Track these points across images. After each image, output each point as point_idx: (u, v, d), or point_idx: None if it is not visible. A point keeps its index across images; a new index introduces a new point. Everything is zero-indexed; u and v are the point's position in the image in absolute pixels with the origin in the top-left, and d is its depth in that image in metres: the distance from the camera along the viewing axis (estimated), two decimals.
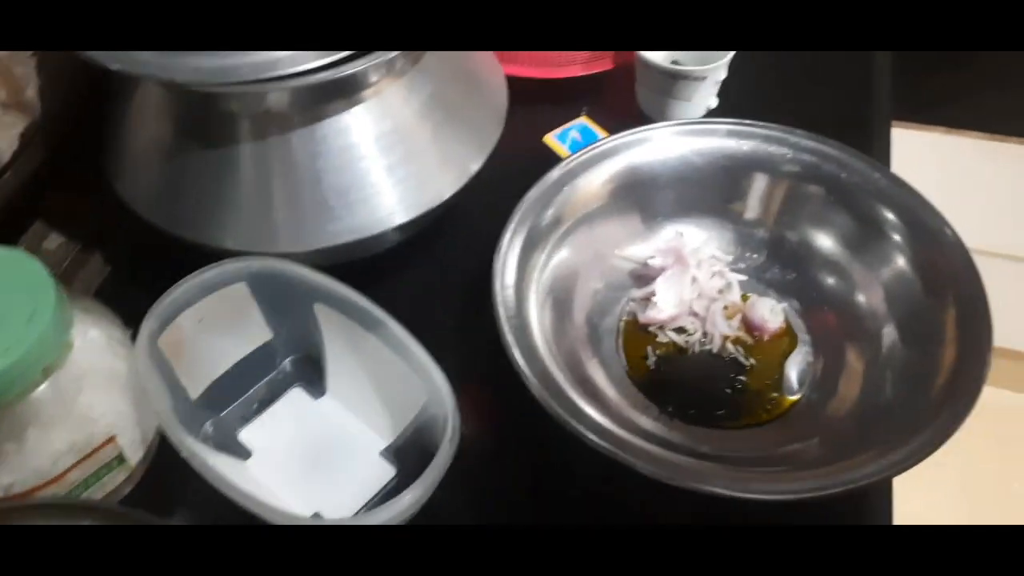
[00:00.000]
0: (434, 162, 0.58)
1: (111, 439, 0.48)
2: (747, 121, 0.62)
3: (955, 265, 0.54)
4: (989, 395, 0.50)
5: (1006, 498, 1.33)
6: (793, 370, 0.58)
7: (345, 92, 0.54)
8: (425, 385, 0.50)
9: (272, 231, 0.55)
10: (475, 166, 0.59)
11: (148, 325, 0.50)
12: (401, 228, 0.57)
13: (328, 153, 0.55)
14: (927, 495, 1.17)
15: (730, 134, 0.62)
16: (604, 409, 0.53)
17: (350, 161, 0.55)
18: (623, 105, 0.76)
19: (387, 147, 0.56)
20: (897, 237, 0.57)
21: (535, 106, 0.75)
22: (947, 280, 0.54)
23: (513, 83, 0.66)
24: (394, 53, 0.52)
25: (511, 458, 0.56)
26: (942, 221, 0.56)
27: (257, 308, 0.55)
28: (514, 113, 0.65)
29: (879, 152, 0.71)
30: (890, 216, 0.57)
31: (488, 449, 0.55)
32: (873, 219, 0.58)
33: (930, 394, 0.49)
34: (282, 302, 0.55)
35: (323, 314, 0.54)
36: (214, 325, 0.54)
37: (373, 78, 0.54)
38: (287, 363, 0.59)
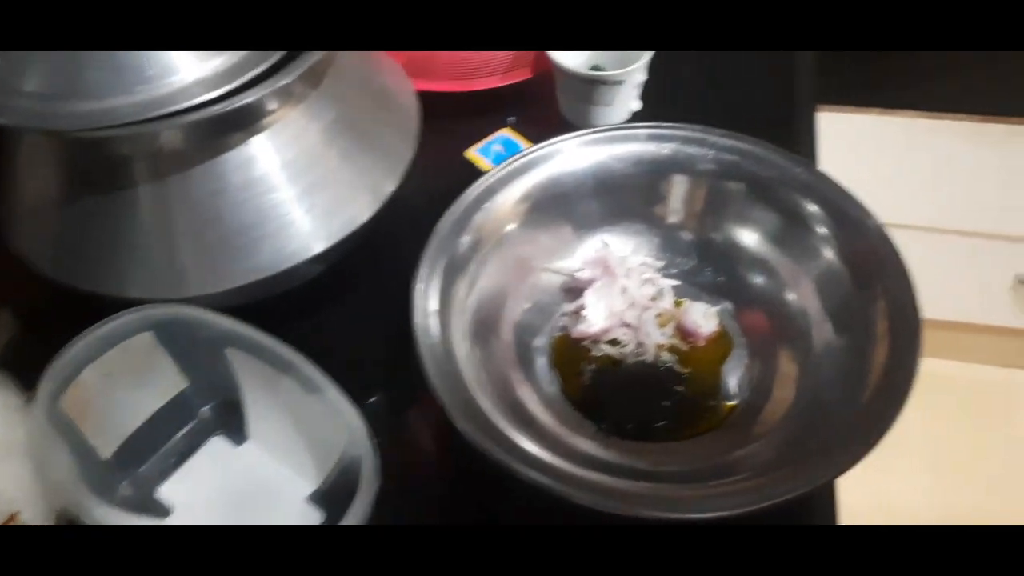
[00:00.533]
0: (345, 187, 0.55)
1: (13, 516, 0.45)
2: (665, 124, 0.61)
3: (880, 255, 0.53)
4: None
5: (937, 457, 1.35)
6: (730, 375, 0.57)
7: (242, 124, 0.51)
8: (344, 426, 0.47)
9: (178, 275, 0.53)
10: (389, 188, 0.57)
11: (45, 387, 0.47)
12: (317, 259, 0.55)
13: (231, 188, 0.52)
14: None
15: (649, 138, 0.61)
16: (536, 434, 0.51)
17: (255, 195, 0.53)
18: (545, 114, 0.75)
19: (294, 176, 0.53)
20: (822, 229, 0.56)
21: (455, 121, 0.73)
22: (874, 270, 0.53)
23: (430, 98, 0.64)
24: (288, 80, 0.49)
25: (443, 492, 0.54)
26: (864, 211, 0.55)
27: (168, 357, 0.53)
28: (433, 129, 0.63)
29: (804, 143, 0.70)
30: (813, 209, 0.56)
31: (417, 487, 0.53)
32: (796, 213, 0.57)
33: (864, 392, 0.48)
34: (193, 349, 0.53)
35: (236, 358, 0.52)
36: (122, 379, 0.51)
37: (271, 107, 0.52)
38: (206, 411, 0.56)
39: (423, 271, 0.54)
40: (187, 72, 0.49)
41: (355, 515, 0.43)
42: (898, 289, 0.51)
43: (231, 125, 0.51)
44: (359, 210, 0.56)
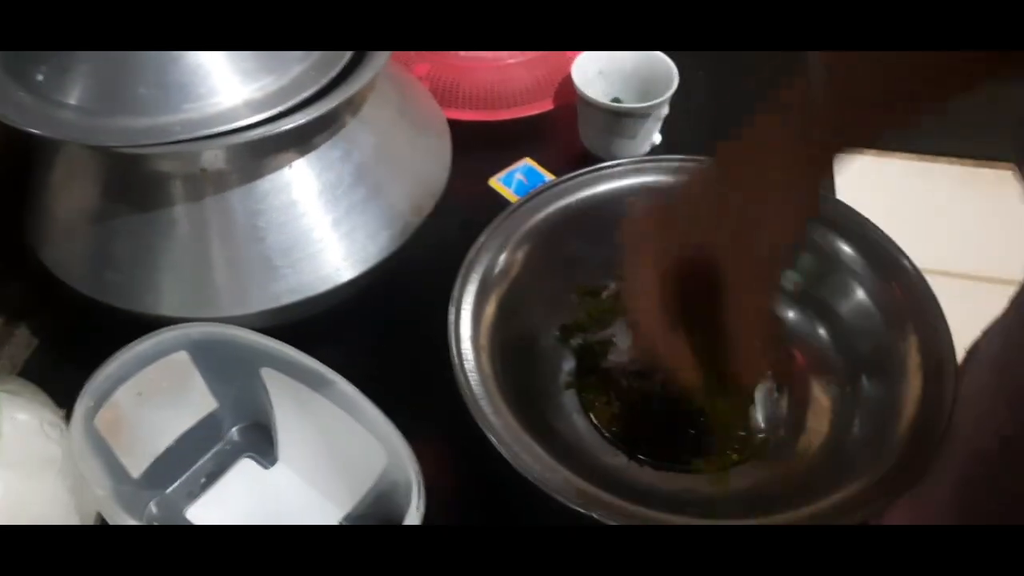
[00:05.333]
0: (381, 214, 0.56)
1: None
2: (694, 156, 0.62)
3: (915, 296, 0.54)
4: None
5: None
6: (758, 408, 0.57)
7: (284, 147, 0.52)
8: (384, 448, 0.47)
9: (213, 295, 0.53)
10: (423, 215, 0.57)
11: (83, 404, 0.46)
12: (350, 284, 0.55)
13: (269, 210, 0.52)
14: None
15: (678, 171, 0.61)
16: (573, 462, 0.51)
17: (293, 218, 0.53)
18: (567, 145, 0.76)
19: (331, 201, 0.54)
20: (855, 268, 0.56)
21: (479, 150, 0.74)
22: (907, 312, 0.53)
23: (454, 127, 0.65)
24: (332, 105, 0.50)
25: (479, 520, 0.53)
26: (899, 251, 0.56)
27: (199, 377, 0.52)
28: (458, 158, 0.63)
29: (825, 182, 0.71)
30: (845, 247, 0.57)
31: (454, 513, 0.53)
32: (829, 251, 0.58)
33: (897, 430, 0.49)
34: (226, 369, 0.52)
35: (271, 378, 0.52)
36: (154, 398, 0.51)
37: (313, 132, 0.52)
38: (234, 432, 0.55)
39: (456, 296, 0.54)
40: (233, 93, 0.50)
41: None
42: (931, 329, 0.52)
43: (273, 148, 0.51)
44: (392, 237, 0.56)
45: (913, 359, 0.51)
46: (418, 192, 0.58)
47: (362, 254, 0.54)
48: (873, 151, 1.27)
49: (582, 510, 0.45)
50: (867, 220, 0.58)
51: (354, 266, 0.54)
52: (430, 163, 0.60)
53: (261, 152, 0.51)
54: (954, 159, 1.26)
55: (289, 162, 0.52)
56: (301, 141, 0.52)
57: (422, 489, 0.45)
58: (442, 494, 0.54)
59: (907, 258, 0.55)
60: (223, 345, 0.51)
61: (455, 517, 0.52)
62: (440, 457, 0.54)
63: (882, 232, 0.57)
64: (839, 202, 0.59)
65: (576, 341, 0.60)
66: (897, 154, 1.27)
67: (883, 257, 0.56)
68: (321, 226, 0.53)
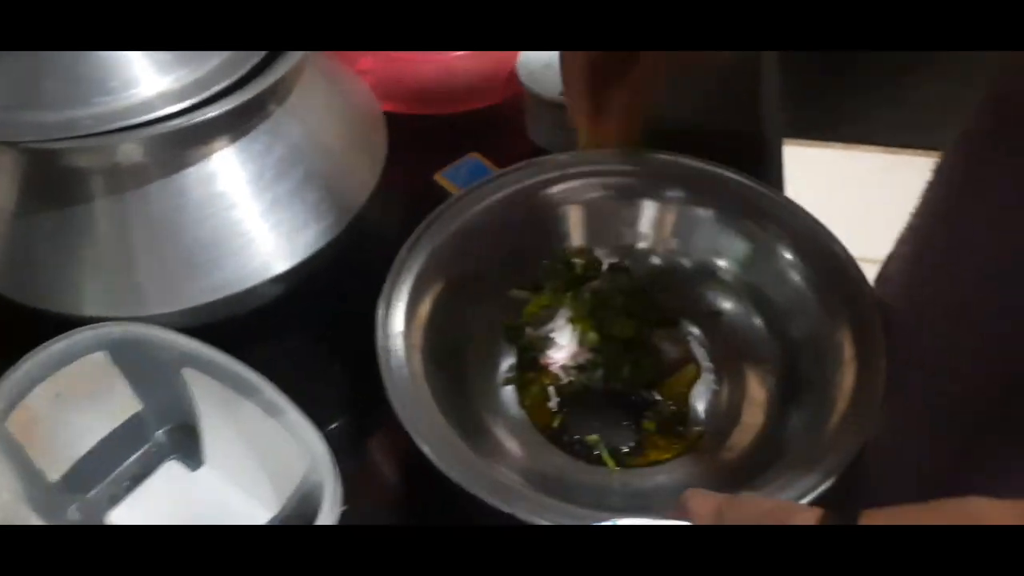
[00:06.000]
0: (310, 207, 0.54)
1: None
2: (635, 151, 0.61)
3: (848, 285, 0.53)
4: None
5: None
6: (699, 401, 0.56)
7: (204, 138, 0.50)
8: (305, 451, 0.46)
9: (135, 293, 0.51)
10: (355, 208, 0.56)
11: None
12: (279, 279, 0.53)
13: (192, 204, 0.51)
14: None
15: (619, 163, 0.61)
16: (504, 460, 0.50)
17: (218, 210, 0.52)
18: (516, 140, 0.74)
19: (257, 193, 0.52)
20: (790, 257, 0.56)
21: (424, 145, 0.72)
22: (841, 299, 0.53)
23: (398, 121, 0.64)
24: (251, 95, 0.48)
25: (409, 521, 0.52)
26: (832, 240, 0.55)
27: (122, 378, 0.51)
28: (401, 152, 0.62)
29: (773, 175, 0.71)
30: (781, 236, 0.56)
31: (382, 517, 0.52)
32: (764, 239, 0.57)
33: (831, 419, 0.48)
34: (149, 370, 0.51)
35: (194, 380, 0.50)
36: (74, 400, 0.49)
37: (234, 122, 0.51)
38: (160, 434, 0.54)
39: (388, 291, 0.53)
40: (149, 85, 0.48)
41: None
42: (866, 319, 0.51)
43: (193, 140, 0.50)
44: (323, 230, 0.55)
45: (847, 349, 0.50)
46: (350, 185, 0.57)
47: (291, 247, 0.53)
48: (796, 141, 1.26)
49: (504, 508, 0.43)
50: (799, 208, 0.57)
51: (283, 260, 0.53)
52: (364, 156, 0.58)
53: (180, 144, 0.50)
54: (877, 147, 1.26)
55: (211, 153, 0.51)
56: (222, 132, 0.51)
57: (339, 491, 0.43)
58: (374, 495, 0.53)
59: (838, 244, 0.55)
60: (143, 345, 0.49)
61: (382, 518, 0.51)
62: (369, 457, 0.53)
63: (813, 219, 0.56)
64: (773, 191, 0.58)
65: (518, 339, 0.59)
66: (822, 144, 1.27)
67: (815, 245, 0.55)
68: (248, 219, 0.52)
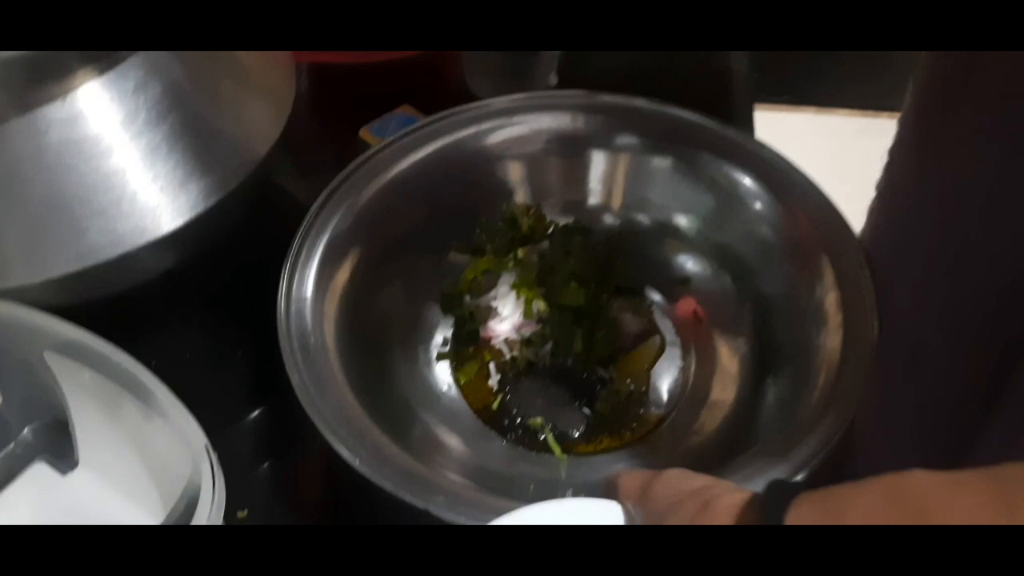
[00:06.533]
0: (195, 156, 0.46)
1: None
2: (580, 92, 0.53)
3: (826, 225, 0.46)
4: None
5: None
6: (662, 379, 0.49)
7: (65, 69, 0.42)
8: (189, 451, 0.38)
9: None
10: (253, 161, 0.48)
11: None
12: (162, 244, 0.45)
13: (51, 150, 0.42)
14: None
15: (562, 108, 0.53)
16: (435, 451, 0.43)
17: (83, 159, 0.43)
18: (452, 91, 0.66)
19: (130, 139, 0.44)
20: (760, 208, 0.48)
21: (349, 96, 0.64)
22: (819, 244, 0.45)
23: (320, 71, 0.56)
24: None
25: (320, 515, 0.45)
26: (811, 186, 0.48)
27: None
28: (324, 104, 0.54)
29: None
30: (746, 180, 0.49)
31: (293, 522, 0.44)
32: (727, 185, 0.49)
33: (812, 393, 0.41)
34: (6, 355, 0.42)
35: (60, 367, 0.42)
36: None
37: (97, 55, 0.42)
38: (26, 433, 0.46)
39: (295, 253, 0.45)
40: None
41: None
42: (849, 267, 0.44)
43: (49, 70, 0.42)
44: (212, 185, 0.46)
45: (829, 296, 0.43)
46: (246, 135, 0.48)
47: (173, 206, 0.45)
48: (767, 106, 1.21)
49: (430, 509, 0.36)
50: (767, 147, 0.50)
51: (165, 220, 0.44)
52: (264, 103, 0.50)
53: (34, 75, 0.41)
54: (852, 110, 1.21)
55: (73, 88, 0.42)
56: (83, 61, 0.42)
57: (221, 495, 0.36)
58: (286, 498, 0.45)
59: (813, 184, 0.48)
60: None
61: (289, 520, 0.43)
62: (280, 458, 0.46)
63: (784, 159, 0.49)
64: (736, 132, 0.51)
65: (455, 309, 0.51)
66: (796, 107, 1.21)
67: (787, 185, 0.48)
68: (121, 169, 0.44)
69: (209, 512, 0.35)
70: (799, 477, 0.37)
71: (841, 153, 1.20)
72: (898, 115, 0.53)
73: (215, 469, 0.36)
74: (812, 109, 1.22)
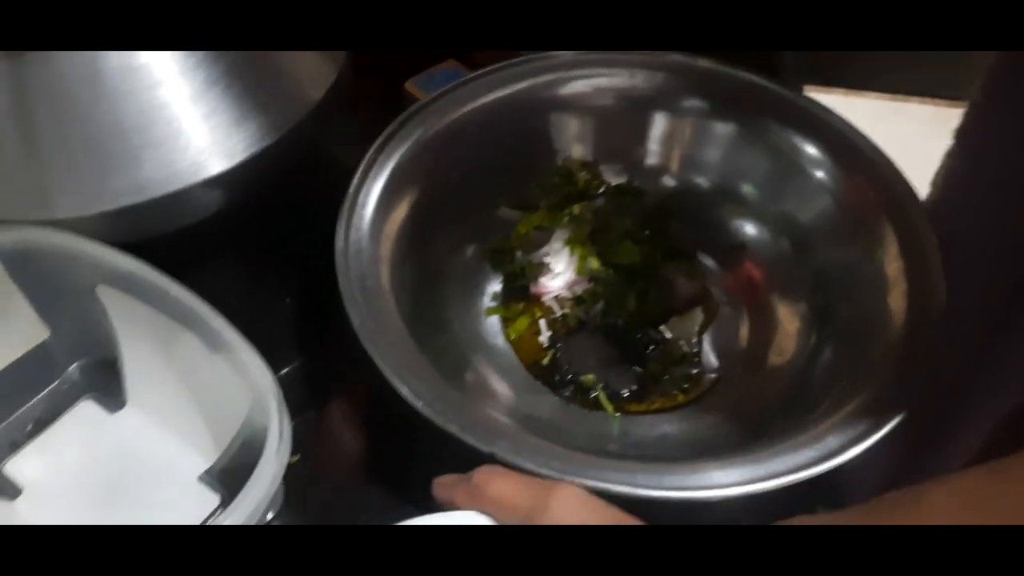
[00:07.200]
0: (251, 94, 0.45)
1: None
2: (643, 52, 0.52)
3: (889, 191, 0.45)
4: None
5: None
6: (715, 342, 0.48)
7: None
8: (249, 390, 0.37)
9: (39, 191, 0.42)
10: (308, 104, 0.47)
11: None
12: (216, 182, 0.44)
13: (106, 78, 0.41)
14: None
15: (625, 65, 0.52)
16: (487, 399, 0.42)
17: (138, 88, 0.42)
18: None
19: (186, 71, 0.43)
20: (818, 168, 0.47)
21: (395, 49, 0.63)
22: (881, 209, 0.45)
23: None
24: None
25: (370, 465, 0.44)
26: (867, 142, 0.47)
27: (22, 297, 0.42)
28: (370, 58, 0.53)
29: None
30: (806, 146, 0.48)
31: (338, 469, 0.43)
32: (787, 150, 0.48)
33: (877, 351, 0.40)
34: (58, 287, 0.42)
35: (113, 301, 0.41)
36: None
37: None
38: (74, 369, 0.45)
39: (352, 197, 0.44)
40: None
41: (252, 500, 0.33)
42: (914, 235, 0.43)
43: None
44: (267, 126, 0.45)
45: (893, 264, 0.42)
46: (302, 77, 0.47)
47: (228, 144, 0.43)
48: (842, 90, 1.20)
49: (483, 448, 0.35)
50: (829, 110, 0.49)
51: (220, 158, 0.43)
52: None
53: None
54: (926, 99, 1.19)
55: None
56: None
57: (287, 436, 0.35)
58: (328, 445, 0.45)
59: (880, 151, 0.47)
60: (48, 256, 0.40)
61: (337, 471, 0.43)
62: (326, 403, 0.45)
63: (852, 126, 0.48)
64: (797, 95, 0.50)
65: (505, 264, 0.50)
66: (868, 93, 1.19)
67: (853, 153, 0.47)
68: (176, 102, 0.42)
69: (276, 449, 0.34)
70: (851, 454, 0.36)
71: (905, 141, 1.19)
72: (927, 100, 0.51)
73: (282, 407, 0.36)
74: (844, 91, 1.21)
